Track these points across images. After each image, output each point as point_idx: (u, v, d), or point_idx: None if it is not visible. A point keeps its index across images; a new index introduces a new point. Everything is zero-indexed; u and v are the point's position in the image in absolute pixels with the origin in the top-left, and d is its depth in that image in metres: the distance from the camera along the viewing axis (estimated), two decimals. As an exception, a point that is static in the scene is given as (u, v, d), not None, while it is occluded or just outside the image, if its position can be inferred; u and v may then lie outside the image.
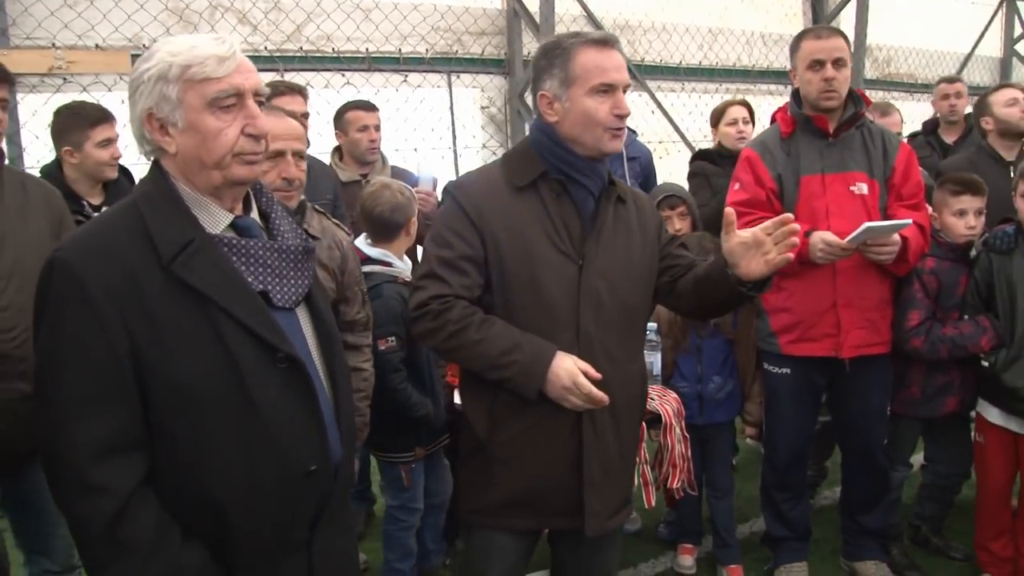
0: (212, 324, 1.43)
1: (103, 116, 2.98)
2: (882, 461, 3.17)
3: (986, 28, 8.80)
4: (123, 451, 1.40)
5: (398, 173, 3.80)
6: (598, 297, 2.01)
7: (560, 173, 2.03)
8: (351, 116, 3.78)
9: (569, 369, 1.92)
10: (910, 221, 2.81)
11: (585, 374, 1.92)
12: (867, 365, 3.00)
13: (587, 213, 2.05)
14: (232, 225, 1.53)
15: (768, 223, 1.91)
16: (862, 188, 2.91)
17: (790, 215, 1.92)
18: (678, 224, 3.45)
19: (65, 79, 4.41)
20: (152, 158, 1.54)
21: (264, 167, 1.56)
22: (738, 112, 4.15)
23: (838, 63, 2.85)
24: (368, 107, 3.84)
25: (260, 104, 1.53)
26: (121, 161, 3.09)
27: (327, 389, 1.61)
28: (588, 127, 1.99)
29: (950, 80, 4.92)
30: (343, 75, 5.22)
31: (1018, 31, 9.14)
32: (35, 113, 4.33)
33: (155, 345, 1.40)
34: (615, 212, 2.10)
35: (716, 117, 4.27)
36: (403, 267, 2.92)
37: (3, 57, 4.17)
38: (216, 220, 1.51)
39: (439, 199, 3.25)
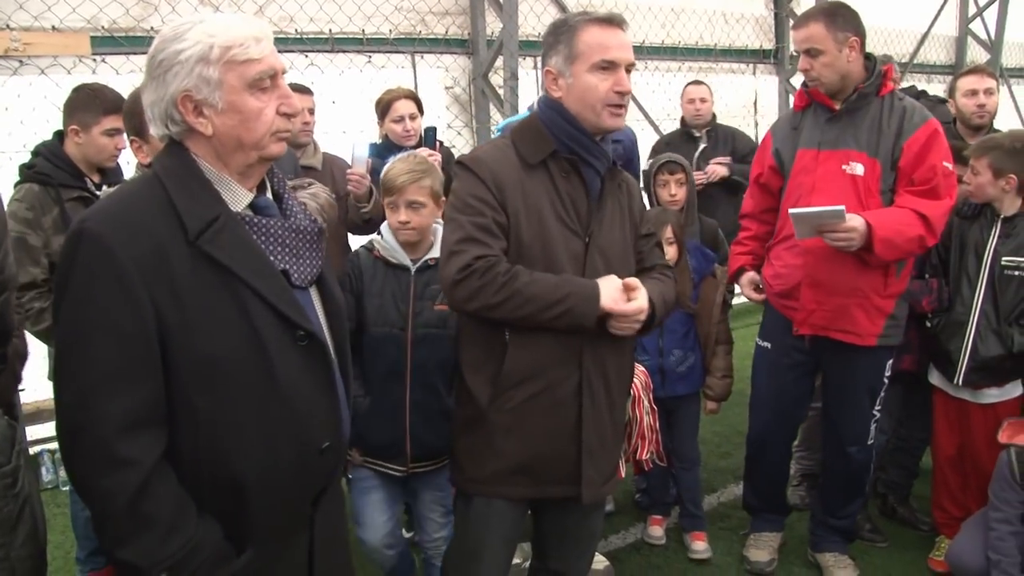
0: (237, 300, 1.44)
1: (119, 106, 2.87)
2: (854, 457, 3.07)
3: (942, 7, 8.96)
4: (148, 425, 1.40)
5: (329, 160, 3.82)
6: (600, 273, 2.07)
7: (570, 152, 2.08)
8: None
9: (615, 287, 2.01)
10: (842, 207, 2.64)
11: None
12: (847, 357, 2.96)
13: (594, 192, 2.11)
14: (250, 204, 1.55)
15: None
16: (856, 168, 2.81)
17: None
18: (674, 190, 3.47)
19: (21, 61, 4.31)
20: (168, 140, 1.52)
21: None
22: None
23: (810, 52, 2.84)
24: (303, 90, 3.81)
25: None
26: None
27: (336, 367, 1.64)
28: (588, 103, 2.04)
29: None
30: (306, 56, 5.17)
31: (972, 10, 9.32)
32: (-9, 96, 4.25)
33: (181, 320, 1.40)
34: (613, 193, 2.17)
35: None
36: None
37: (-44, 39, 4.09)
38: (237, 199, 1.53)
39: (371, 181, 3.33)
